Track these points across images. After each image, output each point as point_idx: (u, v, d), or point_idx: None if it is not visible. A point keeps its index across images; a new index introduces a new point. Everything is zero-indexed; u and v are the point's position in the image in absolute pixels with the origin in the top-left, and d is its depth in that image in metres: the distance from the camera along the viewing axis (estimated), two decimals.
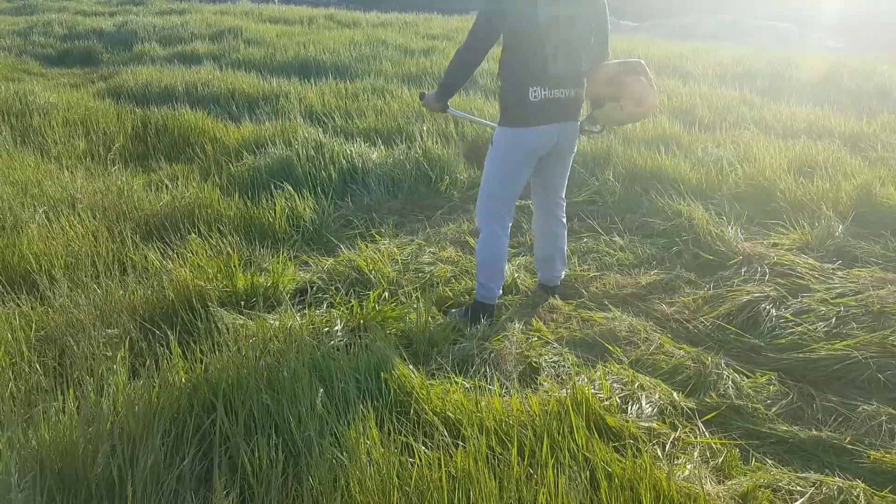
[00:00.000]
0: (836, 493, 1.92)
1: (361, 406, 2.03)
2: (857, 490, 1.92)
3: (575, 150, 2.91)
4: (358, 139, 5.09)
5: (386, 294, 2.99)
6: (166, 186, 4.12)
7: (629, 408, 2.26)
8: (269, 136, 5.07)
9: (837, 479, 1.99)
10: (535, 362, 2.56)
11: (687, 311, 3.04)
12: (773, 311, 2.89)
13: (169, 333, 2.40)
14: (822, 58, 9.06)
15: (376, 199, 4.31)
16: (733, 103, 6.41)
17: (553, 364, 2.55)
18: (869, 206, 3.77)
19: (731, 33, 16.04)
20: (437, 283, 3.19)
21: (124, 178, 4.23)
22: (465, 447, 1.86)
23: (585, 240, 3.73)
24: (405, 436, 1.97)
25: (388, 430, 1.97)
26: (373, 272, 3.16)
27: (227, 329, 2.51)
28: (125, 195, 3.85)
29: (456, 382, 2.29)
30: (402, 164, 4.61)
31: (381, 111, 5.89)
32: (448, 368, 2.45)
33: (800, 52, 9.61)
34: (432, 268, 3.33)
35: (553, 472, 1.78)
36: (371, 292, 2.94)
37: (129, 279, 2.90)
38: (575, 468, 1.83)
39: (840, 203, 3.84)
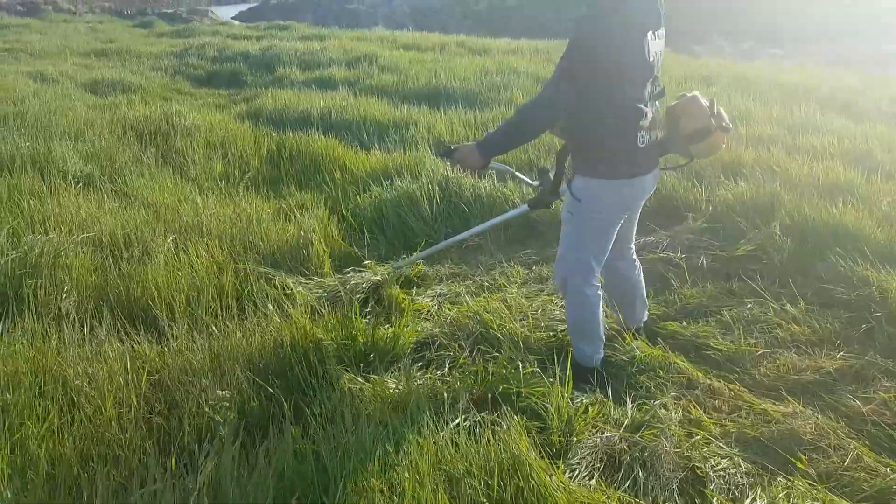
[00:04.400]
0: None
1: None
2: None
3: None
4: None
5: (516, 359, 2.62)
6: (294, 216, 4.03)
7: None
8: (397, 166, 4.92)
9: None
10: (699, 468, 2.10)
11: (888, 413, 2.45)
12: None
13: (283, 401, 2.20)
14: None
15: (503, 240, 3.99)
16: None
17: (722, 473, 2.08)
18: None
19: (887, 60, 14.42)
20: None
21: (255, 206, 4.20)
22: None
23: (750, 305, 3.18)
24: None
25: None
26: (499, 328, 2.82)
27: (344, 394, 2.26)
28: (254, 224, 3.79)
29: (604, 493, 1.88)
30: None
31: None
32: (591, 466, 2.05)
33: None
34: (564, 326, 2.93)
35: None
36: (498, 354, 2.61)
37: (248, 321, 2.76)
38: None
39: None
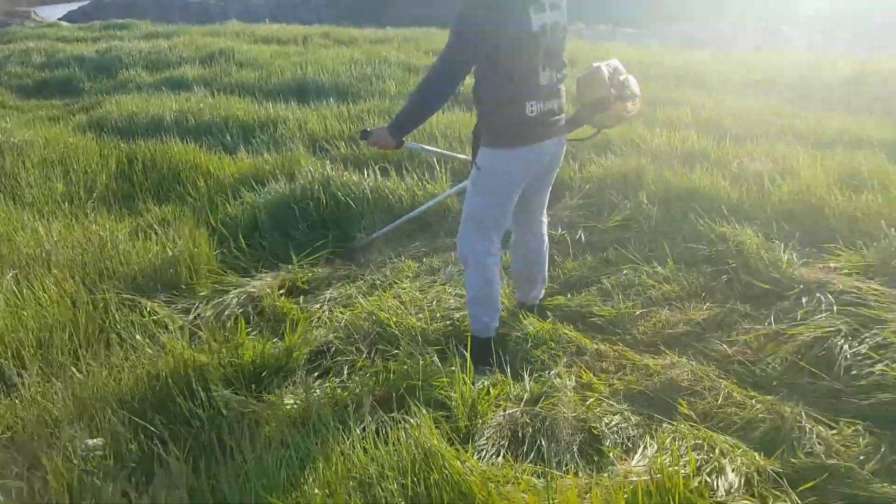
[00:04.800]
0: None
1: None
2: None
3: (559, 166, 2.76)
4: (369, 168, 4.76)
5: (416, 353, 2.67)
6: (155, 233, 3.75)
7: (715, 482, 1.99)
8: (269, 169, 4.74)
9: None
10: (595, 427, 2.29)
11: (750, 351, 2.77)
12: (847, 347, 2.61)
13: (167, 438, 2.08)
14: (844, 61, 8.75)
15: (394, 237, 4.06)
16: (761, 113, 6.14)
17: (615, 429, 2.28)
18: None
19: (734, 39, 15.79)
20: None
21: (107, 226, 3.86)
22: None
23: (625, 271, 3.46)
24: None
25: None
26: (395, 325, 2.88)
27: (237, 421, 2.19)
28: (108, 247, 3.48)
29: (512, 467, 2.02)
30: (419, 196, 4.34)
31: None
32: (497, 444, 2.18)
33: (817, 56, 9.33)
34: (460, 313, 3.04)
35: None
36: (398, 351, 2.65)
37: (115, 356, 2.54)
38: None
39: None
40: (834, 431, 2.25)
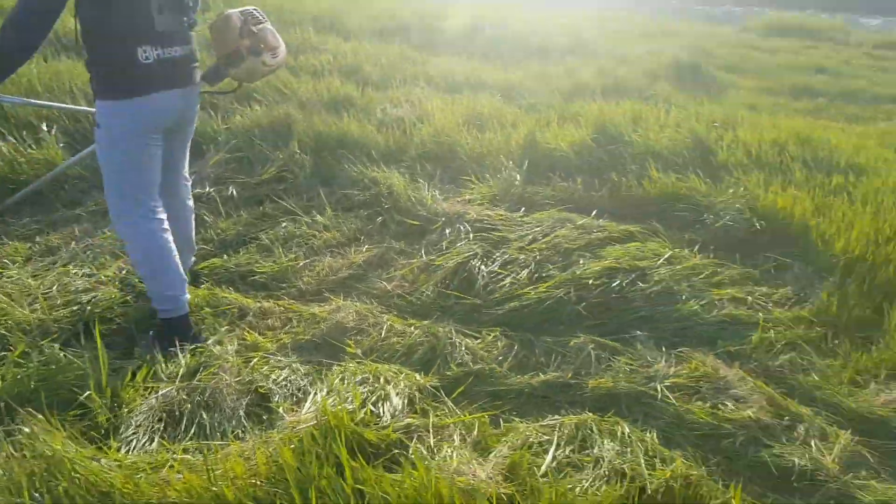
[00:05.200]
0: (573, 431, 2.04)
1: None
2: (589, 422, 2.07)
3: (196, 121, 2.59)
4: None
5: (33, 352, 2.20)
6: None
7: (382, 409, 2.06)
8: None
9: (571, 416, 2.12)
10: (263, 387, 2.19)
11: (406, 284, 2.96)
12: (483, 267, 2.97)
13: None
14: (463, 8, 9.79)
15: None
16: (397, 60, 6.52)
17: (284, 383, 2.21)
18: (534, 151, 4.13)
19: None
20: (106, 316, 2.52)
21: None
22: None
23: (285, 225, 3.38)
24: None
25: None
26: (2, 323, 2.35)
27: None
28: None
29: (169, 451, 1.81)
30: (22, 164, 3.58)
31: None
32: (150, 430, 1.94)
33: (446, 3, 10.25)
34: (93, 296, 2.60)
35: None
36: (6, 353, 2.16)
37: None
38: None
39: (513, 152, 4.14)
40: (478, 341, 2.55)
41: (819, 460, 2.01)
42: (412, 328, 2.59)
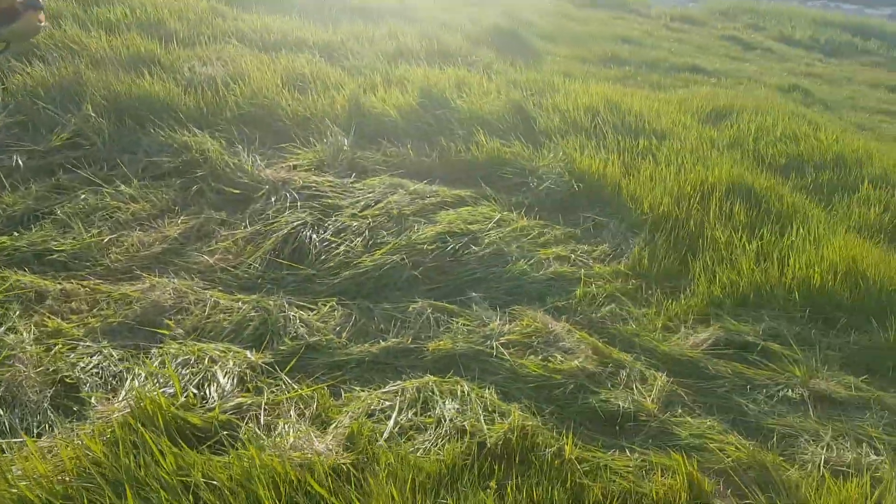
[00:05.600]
0: (415, 393, 2.07)
1: None
2: (430, 384, 2.11)
3: None
4: None
5: None
6: None
7: (208, 391, 1.94)
8: None
9: (413, 380, 2.14)
10: (69, 377, 1.96)
11: (231, 256, 2.79)
12: (315, 236, 2.89)
13: None
14: None
15: None
16: (204, 14, 6.01)
17: (95, 371, 2.00)
18: (361, 115, 4.06)
19: None
20: None
21: None
22: None
23: (84, 196, 3.01)
24: None
25: None
26: None
27: None
28: None
29: None
30: None
31: None
32: None
33: None
34: None
35: None
36: None
37: None
38: None
39: (338, 116, 4.03)
40: (313, 312, 2.48)
41: (640, 402, 2.15)
42: (240, 303, 2.45)
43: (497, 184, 3.62)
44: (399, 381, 2.14)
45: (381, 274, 2.72)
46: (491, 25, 8.17)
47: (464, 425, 1.92)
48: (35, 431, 1.73)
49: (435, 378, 2.15)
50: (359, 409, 1.99)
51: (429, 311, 2.53)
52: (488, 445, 1.87)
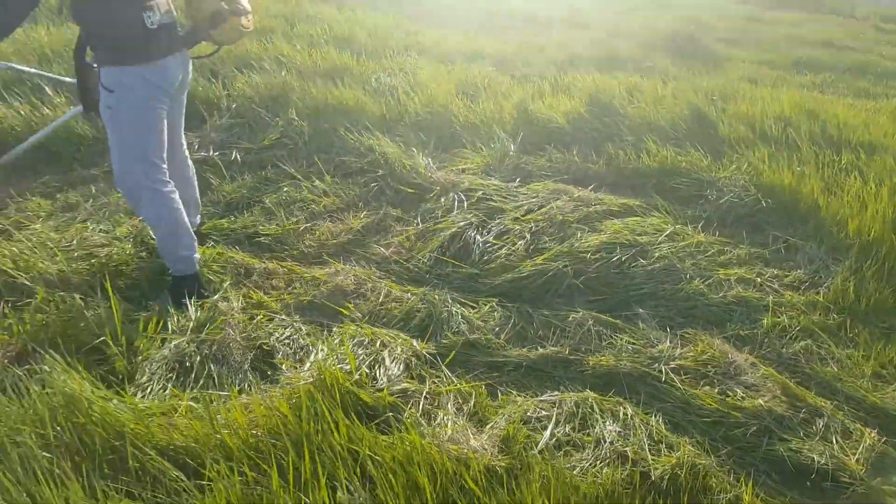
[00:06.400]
0: (573, 408, 2.06)
1: (58, 470, 1.54)
2: (590, 400, 2.09)
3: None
4: None
5: (53, 299, 2.31)
6: None
7: (378, 372, 2.15)
8: None
9: (571, 393, 2.15)
10: (266, 344, 2.27)
11: (403, 250, 3.04)
12: (479, 237, 3.04)
13: None
14: None
15: (14, 172, 3.36)
16: (390, 29, 6.51)
17: (287, 341, 2.30)
18: (527, 122, 4.19)
19: None
20: (121, 270, 2.61)
21: None
22: (211, 488, 1.55)
23: (286, 189, 3.44)
24: (130, 495, 1.56)
25: (102, 493, 1.53)
26: (27, 272, 2.44)
27: None
28: None
29: (179, 398, 1.90)
30: (37, 125, 3.64)
31: None
32: (162, 379, 2.03)
33: None
34: (108, 250, 2.70)
35: (327, 491, 1.58)
36: (32, 300, 2.27)
37: None
38: (346, 475, 1.65)
39: (506, 122, 4.19)
40: (474, 310, 2.61)
41: (842, 459, 1.90)
42: (409, 294, 2.66)
43: (669, 194, 3.52)
44: (556, 392, 2.15)
45: (541, 280, 2.78)
46: (666, 30, 7.88)
47: (626, 451, 1.85)
48: (236, 388, 2.04)
49: (595, 395, 2.11)
50: (514, 413, 2.02)
51: (590, 322, 2.51)
52: (653, 478, 1.78)
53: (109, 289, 2.24)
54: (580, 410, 2.04)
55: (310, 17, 6.47)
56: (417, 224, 3.20)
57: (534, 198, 3.35)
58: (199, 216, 2.93)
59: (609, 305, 2.68)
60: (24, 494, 1.49)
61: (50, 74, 3.01)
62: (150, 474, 1.64)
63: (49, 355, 1.89)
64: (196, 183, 2.85)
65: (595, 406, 2.05)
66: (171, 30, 2.33)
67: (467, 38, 6.38)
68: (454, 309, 2.57)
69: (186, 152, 2.77)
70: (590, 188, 3.50)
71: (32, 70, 2.84)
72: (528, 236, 3.02)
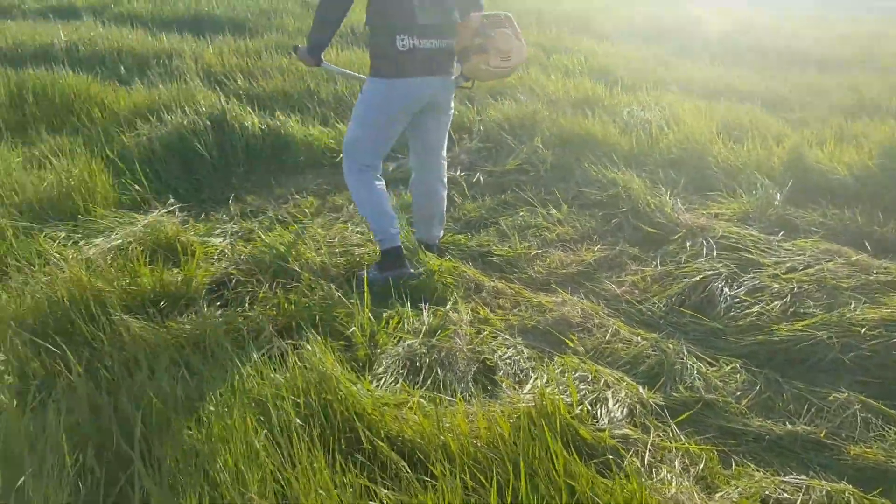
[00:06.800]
0: (825, 497, 1.77)
1: (306, 438, 1.68)
2: (847, 494, 1.78)
3: (452, 108, 2.83)
4: (267, 104, 4.59)
5: (316, 286, 2.59)
6: (49, 163, 3.52)
7: (598, 411, 2.03)
8: (164, 102, 4.44)
9: (823, 481, 1.85)
10: (489, 359, 2.28)
11: (637, 291, 2.87)
12: (727, 289, 2.75)
13: (68, 353, 2.00)
14: (730, 14, 9.18)
15: (298, 172, 3.90)
16: (650, 63, 6.33)
17: (509, 361, 2.29)
18: (801, 170, 3.74)
19: None
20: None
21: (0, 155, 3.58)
22: (434, 487, 1.56)
23: (522, 214, 3.48)
24: (362, 475, 1.64)
25: (340, 467, 1.63)
26: (295, 259, 2.77)
27: (135, 341, 2.12)
28: (1, 175, 3.28)
29: (408, 393, 1.98)
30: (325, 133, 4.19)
31: (287, 70, 5.34)
32: (395, 373, 2.14)
33: (707, 8, 9.69)
34: (362, 250, 2.97)
35: None
36: (298, 284, 2.57)
37: (14, 281, 2.45)
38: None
39: (773, 169, 3.79)
40: (713, 368, 2.36)
41: None
42: (639, 338, 2.49)
43: None
44: (804, 477, 1.86)
45: (798, 348, 2.42)
46: None
47: None
48: (459, 395, 2.07)
49: (854, 490, 1.79)
50: (750, 487, 1.79)
51: (856, 406, 2.13)
52: None
53: (366, 285, 2.47)
54: (832, 502, 1.75)
55: (568, 49, 6.56)
56: (656, 266, 3.00)
57: (799, 255, 2.95)
58: (441, 230, 3.09)
59: (883, 392, 2.25)
60: (283, 454, 1.65)
61: (355, 74, 3.46)
62: (378, 459, 1.72)
63: (311, 334, 2.12)
64: (444, 200, 3.01)
65: (853, 502, 1.74)
66: (426, 54, 2.53)
67: (734, 76, 5.95)
68: (689, 363, 2.35)
69: (442, 171, 2.95)
70: (871, 254, 2.99)
71: (351, 73, 3.33)
72: (787, 297, 2.65)
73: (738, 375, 2.31)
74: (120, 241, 2.86)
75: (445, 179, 2.97)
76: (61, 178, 3.30)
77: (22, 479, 1.55)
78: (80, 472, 1.63)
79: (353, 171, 2.71)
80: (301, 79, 5.18)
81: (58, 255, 2.63)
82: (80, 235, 2.95)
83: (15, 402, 1.81)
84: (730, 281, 2.80)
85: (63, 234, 2.92)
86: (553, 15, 8.55)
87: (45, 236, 2.86)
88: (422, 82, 2.57)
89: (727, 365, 2.37)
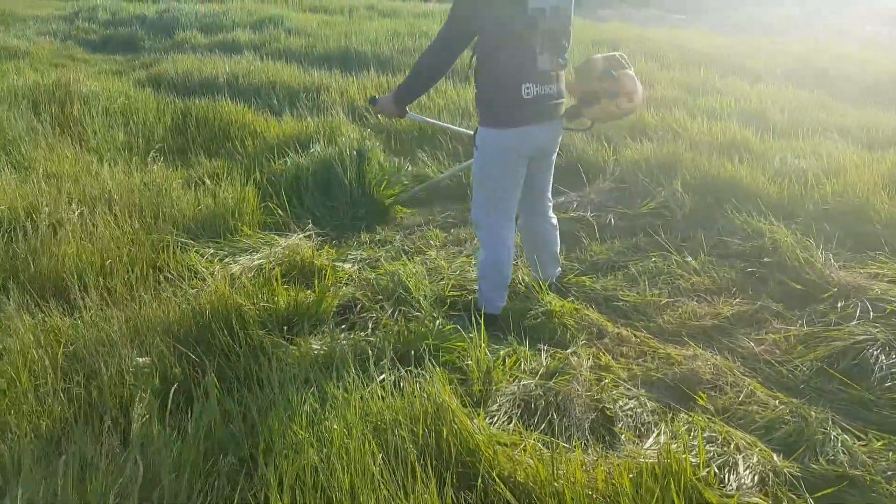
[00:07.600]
0: None
1: (420, 468, 1.73)
2: None
3: (557, 148, 2.75)
4: (404, 139, 4.83)
5: (436, 317, 2.66)
6: (205, 185, 3.91)
7: (727, 476, 1.90)
8: (311, 132, 4.81)
9: None
10: (609, 409, 2.22)
11: (778, 351, 2.66)
12: (883, 357, 2.49)
13: (206, 362, 2.21)
14: (883, 51, 8.38)
15: (425, 204, 4.05)
16: (808, 106, 5.91)
17: (630, 412, 2.21)
18: None
19: (784, 26, 15.20)
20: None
21: (163, 175, 4.04)
22: None
23: (654, 259, 3.35)
24: None
25: (451, 501, 1.66)
26: (417, 288, 2.86)
27: (268, 357, 2.28)
28: (164, 194, 3.65)
29: (521, 435, 1.97)
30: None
31: (425, 108, 5.58)
32: (509, 412, 2.14)
33: (869, 47, 8.92)
34: None
35: None
36: (419, 314, 2.66)
37: (165, 291, 2.71)
38: None
39: None
40: (861, 442, 2.14)
41: None
42: (777, 402, 2.31)
43: None
44: None
45: None
46: None
47: None
48: (574, 442, 2.03)
49: None
50: None
51: None
52: None
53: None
54: None
55: (716, 90, 6.30)
56: (801, 325, 2.78)
57: None
58: (558, 269, 3.07)
59: None
60: (397, 480, 1.71)
61: (449, 125, 3.58)
62: (489, 499, 1.73)
63: (430, 363, 2.17)
64: (556, 239, 2.96)
65: None
66: (546, 100, 2.49)
67: None
68: (833, 433, 2.14)
69: (550, 211, 2.90)
70: None
71: (437, 122, 3.45)
72: None
73: (890, 453, 2.08)
74: (262, 260, 3.11)
75: (555, 220, 2.93)
76: (216, 199, 3.63)
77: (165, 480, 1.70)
78: (208, 473, 1.78)
79: (483, 225, 2.65)
80: (439, 115, 5.38)
81: (205, 270, 2.91)
82: (225, 252, 3.22)
83: (157, 402, 2.00)
84: (886, 348, 2.53)
85: (211, 251, 3.21)
86: (700, 54, 8.26)
87: (195, 251, 3.16)
88: (539, 128, 2.53)
89: (878, 440, 2.14)
